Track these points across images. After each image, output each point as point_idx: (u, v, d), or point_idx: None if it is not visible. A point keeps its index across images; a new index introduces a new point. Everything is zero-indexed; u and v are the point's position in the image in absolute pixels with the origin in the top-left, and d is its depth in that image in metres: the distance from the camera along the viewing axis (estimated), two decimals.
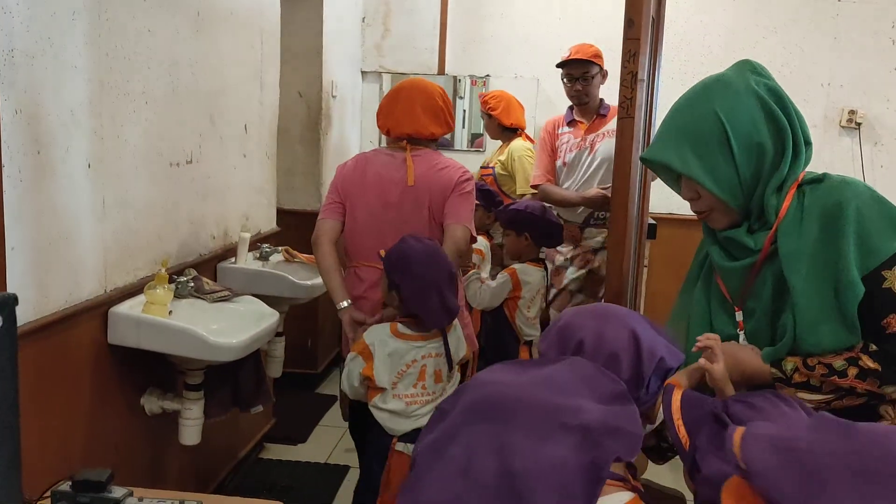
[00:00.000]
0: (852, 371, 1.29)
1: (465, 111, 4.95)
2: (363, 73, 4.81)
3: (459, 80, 4.84)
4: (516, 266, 3.10)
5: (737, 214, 1.45)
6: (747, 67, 1.46)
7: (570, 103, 3.46)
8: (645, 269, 3.43)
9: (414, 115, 2.46)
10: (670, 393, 1.21)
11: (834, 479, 0.85)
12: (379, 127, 2.59)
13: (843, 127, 4.52)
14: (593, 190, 3.31)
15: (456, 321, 2.34)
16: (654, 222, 3.38)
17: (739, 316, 1.48)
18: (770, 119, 1.39)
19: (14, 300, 0.58)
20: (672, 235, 3.89)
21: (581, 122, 3.42)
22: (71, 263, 2.02)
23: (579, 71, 3.33)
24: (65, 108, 1.94)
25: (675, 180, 1.54)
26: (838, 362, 1.30)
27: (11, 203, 1.76)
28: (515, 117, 4.02)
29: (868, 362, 1.28)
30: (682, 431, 1.16)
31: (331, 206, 2.49)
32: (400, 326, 2.23)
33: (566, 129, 3.44)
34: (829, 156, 4.54)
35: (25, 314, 1.85)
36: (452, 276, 2.28)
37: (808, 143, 1.44)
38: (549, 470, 0.93)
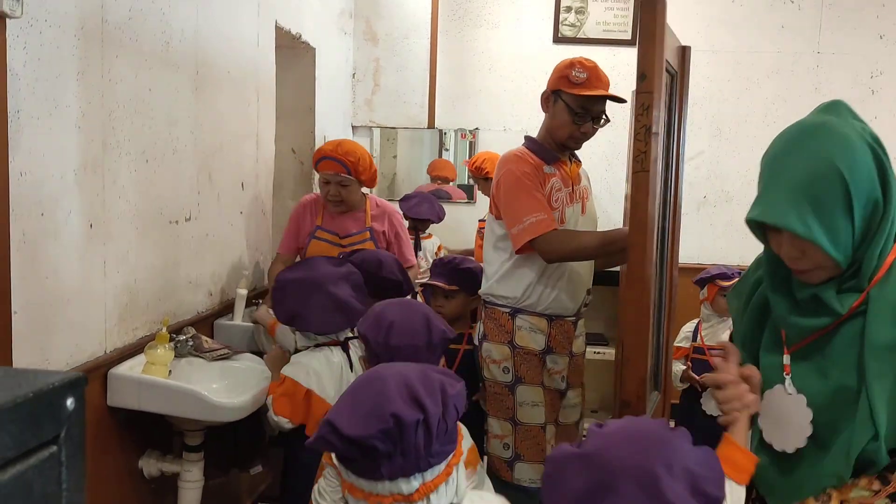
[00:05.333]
0: None
1: (452, 162, 4.97)
2: (354, 127, 4.85)
3: (445, 133, 4.88)
4: None
5: (837, 272, 1.30)
6: (847, 112, 1.31)
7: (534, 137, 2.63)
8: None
9: None
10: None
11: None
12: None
13: None
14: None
15: None
16: None
17: (787, 359, 1.37)
18: (881, 172, 1.26)
19: (84, 381, 0.56)
20: None
21: (564, 164, 2.60)
22: (72, 326, 1.98)
23: (600, 110, 2.51)
24: (68, 168, 1.93)
25: (762, 232, 1.36)
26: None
27: (15, 266, 1.74)
28: None
29: None
30: None
31: None
32: None
33: (550, 169, 2.55)
34: None
35: None
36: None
37: None
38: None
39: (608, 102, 2.51)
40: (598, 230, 2.60)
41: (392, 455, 1.13)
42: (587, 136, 2.54)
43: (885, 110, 4.53)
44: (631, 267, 1.79)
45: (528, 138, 2.64)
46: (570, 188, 2.59)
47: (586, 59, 2.51)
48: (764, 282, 1.41)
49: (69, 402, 0.50)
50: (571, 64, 2.49)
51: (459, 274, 2.81)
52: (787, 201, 1.25)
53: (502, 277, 2.57)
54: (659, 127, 1.69)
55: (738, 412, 1.34)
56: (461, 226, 4.70)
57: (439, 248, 4.26)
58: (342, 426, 1.12)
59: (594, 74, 2.47)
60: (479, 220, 4.22)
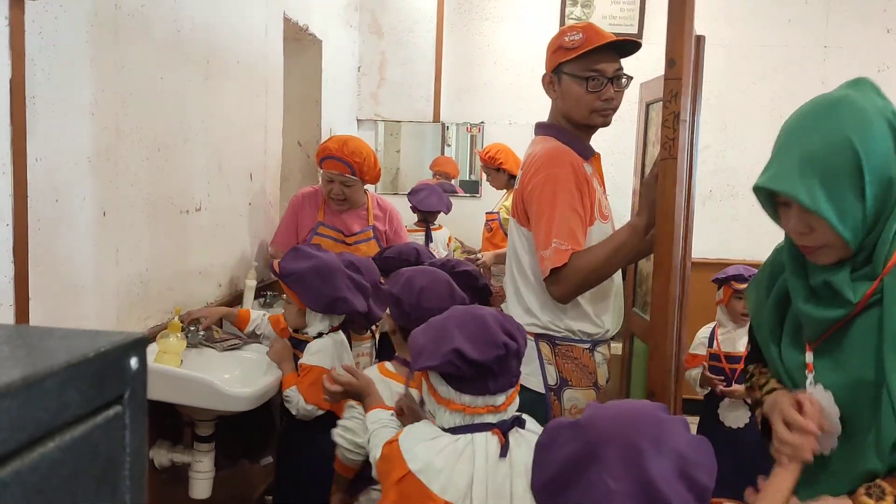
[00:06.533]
0: None
1: (453, 157, 4.98)
2: (359, 120, 4.84)
3: (448, 128, 4.87)
4: None
5: (846, 253, 1.26)
6: (870, 89, 1.27)
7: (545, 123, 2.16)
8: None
9: None
10: None
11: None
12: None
13: None
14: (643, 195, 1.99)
15: None
16: None
17: (810, 357, 1.31)
18: None
19: (147, 341, 0.56)
20: None
21: (597, 157, 2.16)
22: (85, 313, 1.97)
23: (615, 68, 2.02)
24: (82, 155, 1.92)
25: (773, 206, 1.31)
26: None
27: (31, 253, 1.72)
28: (519, 163, 4.04)
29: None
30: None
31: None
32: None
33: (589, 168, 2.07)
34: None
35: None
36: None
37: None
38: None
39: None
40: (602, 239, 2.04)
41: (498, 375, 1.45)
42: (611, 103, 2.03)
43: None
44: (658, 257, 1.77)
45: (547, 126, 2.12)
46: (603, 188, 2.15)
47: (577, 23, 2.14)
48: (785, 267, 1.37)
49: (133, 361, 0.49)
50: (562, 32, 2.05)
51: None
52: (796, 171, 1.22)
53: (579, 308, 2.03)
54: (687, 114, 1.68)
55: (790, 460, 1.27)
56: (468, 219, 4.69)
57: (450, 240, 4.26)
58: (467, 352, 1.41)
59: (592, 31, 2.00)
60: (487, 213, 4.22)
